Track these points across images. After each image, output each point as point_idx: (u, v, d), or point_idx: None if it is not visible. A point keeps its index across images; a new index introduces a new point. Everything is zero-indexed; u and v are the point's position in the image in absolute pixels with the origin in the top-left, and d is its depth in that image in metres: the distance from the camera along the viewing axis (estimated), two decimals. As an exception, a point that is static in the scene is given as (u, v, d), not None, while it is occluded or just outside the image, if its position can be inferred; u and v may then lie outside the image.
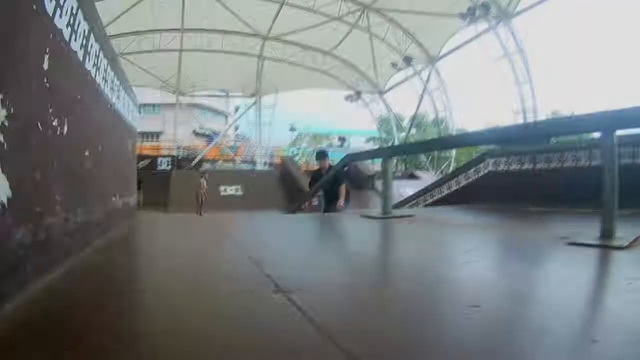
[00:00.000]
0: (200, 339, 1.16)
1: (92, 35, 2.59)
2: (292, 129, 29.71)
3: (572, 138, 9.28)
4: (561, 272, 2.06)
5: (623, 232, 2.46)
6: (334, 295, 1.65)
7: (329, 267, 2.24)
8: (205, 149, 24.23)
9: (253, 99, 21.45)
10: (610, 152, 2.44)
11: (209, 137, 27.60)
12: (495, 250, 2.97)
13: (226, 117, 34.76)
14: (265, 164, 22.72)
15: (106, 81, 3.13)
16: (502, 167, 9.97)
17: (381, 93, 21.82)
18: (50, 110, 1.89)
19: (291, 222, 5.19)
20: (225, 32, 17.38)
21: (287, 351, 1.09)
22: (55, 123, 1.95)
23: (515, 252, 2.72)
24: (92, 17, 2.59)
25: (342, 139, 28.82)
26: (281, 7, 15.62)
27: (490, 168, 10.25)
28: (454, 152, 19.76)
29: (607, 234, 2.42)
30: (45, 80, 1.81)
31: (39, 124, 1.75)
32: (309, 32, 16.82)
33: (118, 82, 3.61)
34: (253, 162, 23.51)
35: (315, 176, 5.92)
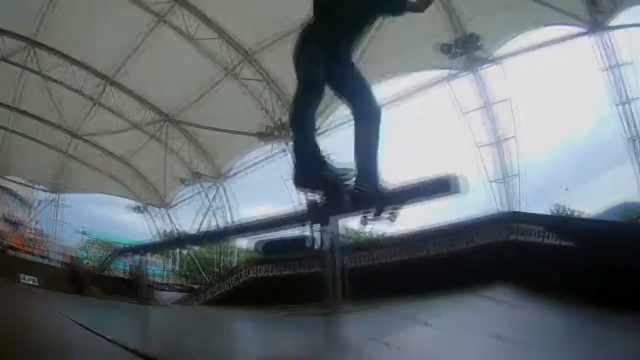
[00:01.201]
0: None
1: None
2: (84, 233, 29.31)
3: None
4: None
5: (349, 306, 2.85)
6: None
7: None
8: (9, 235, 23.54)
9: (54, 195, 20.83)
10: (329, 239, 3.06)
11: (15, 225, 26.72)
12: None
13: (30, 208, 32.11)
14: (58, 261, 22.00)
15: None
16: (262, 274, 11.79)
17: (167, 207, 21.19)
18: None
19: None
20: (42, 120, 16.77)
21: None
22: None
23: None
24: None
25: (131, 250, 29.83)
26: (93, 105, 15.98)
27: (251, 275, 11.97)
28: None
29: (330, 305, 2.84)
30: None
31: None
32: (112, 137, 17.30)
33: None
34: (48, 258, 22.63)
35: None
